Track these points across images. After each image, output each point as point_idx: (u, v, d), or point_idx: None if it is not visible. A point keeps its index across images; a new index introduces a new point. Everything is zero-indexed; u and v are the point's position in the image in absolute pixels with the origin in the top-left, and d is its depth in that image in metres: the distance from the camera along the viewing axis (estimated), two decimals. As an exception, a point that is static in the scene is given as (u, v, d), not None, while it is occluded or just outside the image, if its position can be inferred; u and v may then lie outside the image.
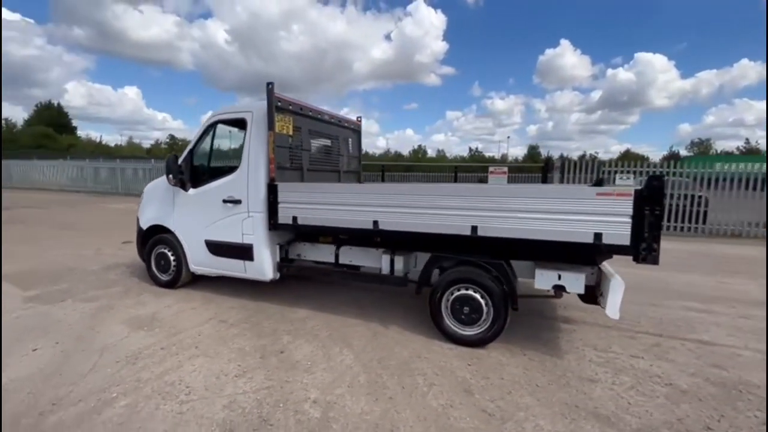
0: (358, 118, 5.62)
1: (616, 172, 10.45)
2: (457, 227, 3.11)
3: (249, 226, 3.93)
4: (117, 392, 2.48)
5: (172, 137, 67.36)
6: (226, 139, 4.79)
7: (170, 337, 3.31)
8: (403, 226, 3.30)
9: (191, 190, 4.29)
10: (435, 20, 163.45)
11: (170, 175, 4.18)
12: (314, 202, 3.62)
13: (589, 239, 2.75)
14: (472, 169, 12.62)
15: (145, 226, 4.67)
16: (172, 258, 4.50)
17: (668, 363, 3.01)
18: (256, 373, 2.74)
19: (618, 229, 2.67)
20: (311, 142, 4.52)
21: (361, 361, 2.95)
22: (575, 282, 3.01)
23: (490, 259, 3.16)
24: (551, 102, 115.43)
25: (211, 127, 4.26)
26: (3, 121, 50.47)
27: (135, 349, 3.08)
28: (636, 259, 2.66)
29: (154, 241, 4.60)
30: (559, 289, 3.07)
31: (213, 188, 4.14)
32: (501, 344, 3.23)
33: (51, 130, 48.84)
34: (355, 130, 5.52)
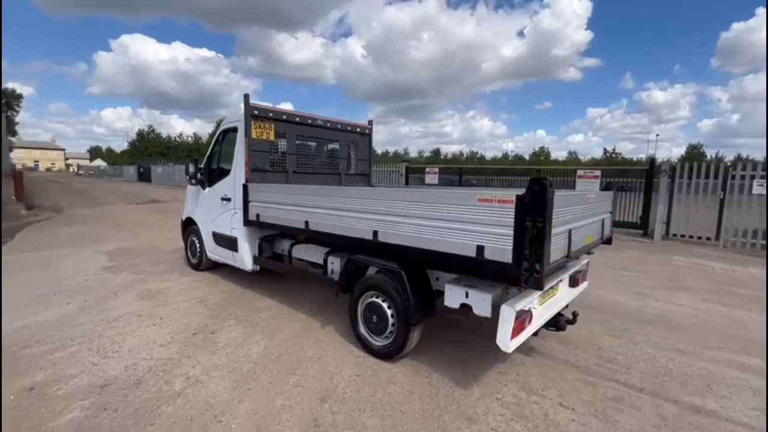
0: (369, 122, 5.72)
1: (753, 177, 7.90)
2: (362, 231, 3.00)
3: (236, 221, 4.47)
4: (76, 342, 3.22)
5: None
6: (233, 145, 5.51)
7: (153, 308, 4.04)
8: (324, 227, 3.33)
9: (207, 189, 5.08)
10: (578, 8, 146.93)
11: (188, 176, 5.05)
12: (269, 201, 3.92)
13: (473, 252, 2.34)
14: (566, 172, 11.10)
15: (183, 217, 5.71)
16: (198, 245, 5.40)
17: (604, 424, 2.31)
18: (175, 346, 3.18)
19: (499, 242, 2.22)
20: (298, 146, 4.84)
21: (265, 353, 3.11)
22: (481, 303, 2.58)
23: (394, 266, 2.94)
24: (738, 89, 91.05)
25: (221, 135, 4.97)
26: (192, 135, 65.17)
27: (122, 313, 3.88)
28: (518, 282, 2.16)
29: (189, 230, 5.59)
30: (468, 309, 2.66)
31: (217, 187, 4.84)
32: (417, 362, 2.97)
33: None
34: (363, 133, 5.62)
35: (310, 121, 4.85)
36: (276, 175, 4.58)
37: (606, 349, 3.32)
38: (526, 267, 2.10)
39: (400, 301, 2.84)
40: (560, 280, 2.96)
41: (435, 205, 2.52)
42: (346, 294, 3.29)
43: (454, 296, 2.71)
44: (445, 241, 2.47)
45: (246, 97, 4.19)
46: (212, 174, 5.12)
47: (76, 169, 78.62)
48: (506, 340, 2.31)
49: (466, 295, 2.65)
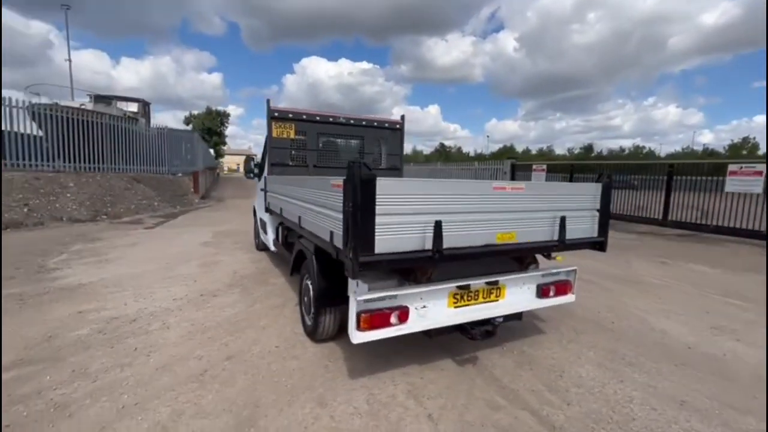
0: (401, 116, 5.78)
1: None
2: (294, 216, 3.25)
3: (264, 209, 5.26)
4: (130, 288, 4.42)
5: (442, 145, 77.80)
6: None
7: (199, 274, 5.13)
8: (287, 215, 3.69)
9: (260, 183, 6.06)
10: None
11: (245, 171, 6.11)
12: (274, 192, 4.51)
13: (328, 237, 2.36)
14: (717, 168, 8.63)
15: (252, 206, 6.90)
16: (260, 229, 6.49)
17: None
18: (182, 301, 4.05)
19: (336, 227, 2.20)
20: (318, 143, 5.29)
21: (233, 316, 3.67)
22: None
23: (309, 250, 3.07)
24: None
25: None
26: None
27: (178, 274, 5.07)
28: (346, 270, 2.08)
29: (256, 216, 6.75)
30: None
31: (261, 181, 5.74)
32: (338, 348, 3.06)
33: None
34: (394, 129, 5.71)
35: (331, 119, 5.26)
36: (297, 169, 5.15)
37: (572, 378, 2.71)
38: (350, 255, 2.03)
39: (313, 284, 2.99)
40: (493, 283, 2.60)
41: (306, 191, 2.61)
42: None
43: (351, 286, 2.71)
44: (319, 226, 2.54)
45: (267, 102, 4.88)
46: (261, 169, 6.07)
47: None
48: (352, 331, 2.25)
49: (357, 284, 2.63)
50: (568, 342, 3.31)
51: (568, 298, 3.10)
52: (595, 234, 2.93)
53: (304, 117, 5.11)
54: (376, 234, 2.02)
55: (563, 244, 2.71)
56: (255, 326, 3.46)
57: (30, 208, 8.84)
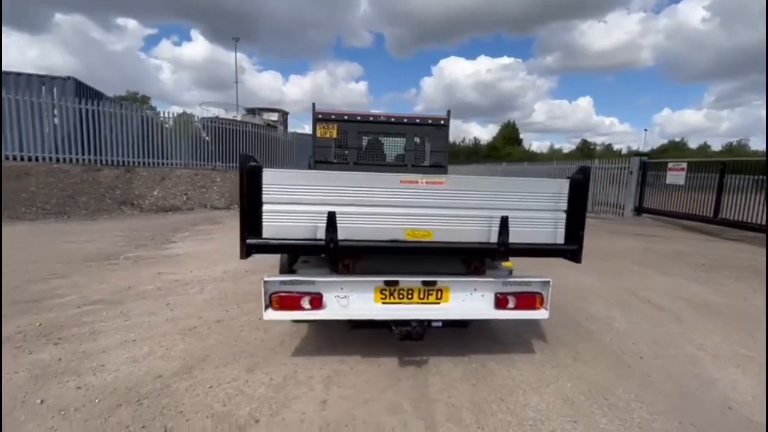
0: (447, 112, 5.60)
1: None
2: None
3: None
4: (170, 266, 5.55)
5: (584, 142, 68.23)
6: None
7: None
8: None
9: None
10: None
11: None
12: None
13: None
14: None
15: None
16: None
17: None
18: (226, 275, 4.91)
19: None
20: (358, 142, 5.56)
21: (224, 294, 4.28)
22: None
23: None
24: None
25: (328, 136, 6.42)
26: (473, 139, 71.72)
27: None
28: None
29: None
30: None
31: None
32: (296, 329, 3.33)
33: (499, 143, 64.78)
34: (438, 126, 5.57)
35: (371, 118, 5.49)
36: (339, 167, 5.56)
37: (511, 404, 2.38)
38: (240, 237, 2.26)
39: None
40: (430, 284, 2.50)
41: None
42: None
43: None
44: None
45: (313, 105, 5.42)
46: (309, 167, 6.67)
47: None
48: (263, 309, 2.48)
49: (294, 270, 2.85)
50: (552, 367, 2.81)
51: (538, 313, 2.65)
52: (560, 240, 2.43)
53: (346, 117, 5.47)
54: (263, 220, 2.21)
55: (506, 248, 2.36)
56: (238, 302, 3.93)
57: (188, 197, 11.67)
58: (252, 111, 22.34)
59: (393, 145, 5.62)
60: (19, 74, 10.98)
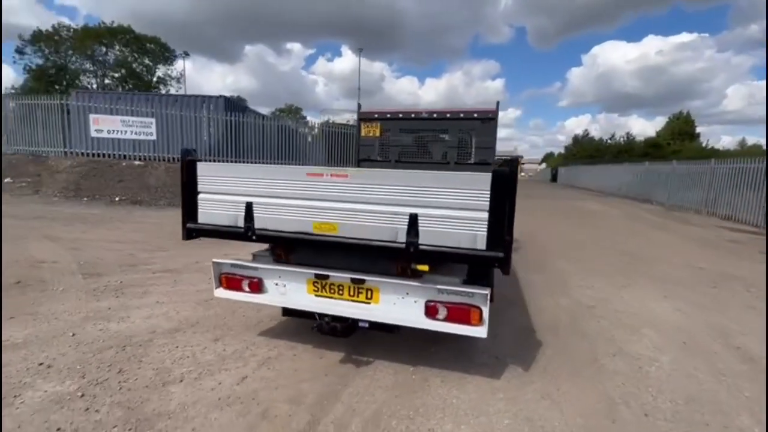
0: (496, 103, 5.07)
1: None
2: None
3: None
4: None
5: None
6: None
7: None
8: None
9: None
10: None
11: None
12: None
13: None
14: None
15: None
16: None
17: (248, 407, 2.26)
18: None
19: None
20: (400, 139, 5.47)
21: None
22: None
23: None
24: None
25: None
26: (624, 135, 60.80)
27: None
28: None
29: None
30: None
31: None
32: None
33: (659, 139, 53.18)
34: (485, 119, 5.08)
35: (413, 115, 5.37)
36: (381, 164, 5.63)
37: (418, 424, 2.16)
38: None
39: None
40: (359, 281, 2.46)
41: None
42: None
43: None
44: None
45: (359, 106, 5.61)
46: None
47: (522, 173, 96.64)
48: (214, 287, 2.79)
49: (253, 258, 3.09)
50: (505, 399, 2.37)
51: (473, 330, 2.26)
52: (481, 245, 2.01)
53: (388, 116, 5.49)
54: (198, 207, 2.51)
55: (415, 249, 2.10)
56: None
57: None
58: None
59: (436, 142, 5.40)
60: (185, 96, 14.39)
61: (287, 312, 2.73)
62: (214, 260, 2.76)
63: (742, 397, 2.47)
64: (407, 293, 2.40)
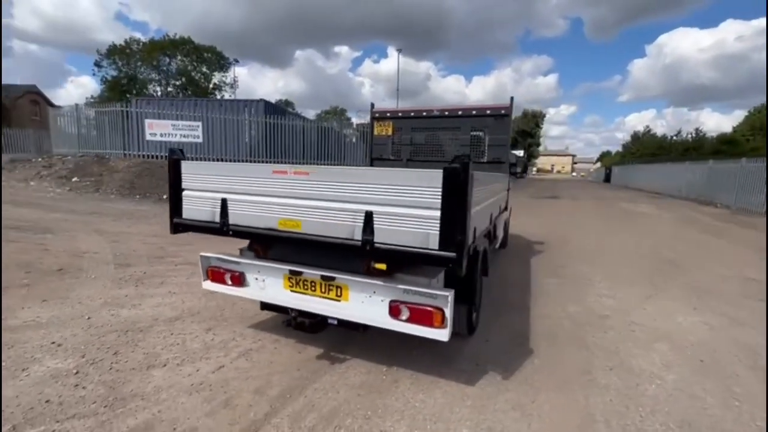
0: (510, 99, 4.85)
1: None
2: None
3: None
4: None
5: None
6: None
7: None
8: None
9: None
10: None
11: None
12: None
13: None
14: None
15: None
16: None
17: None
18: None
19: None
20: (411, 138, 5.40)
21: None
22: None
23: None
24: None
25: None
26: (693, 131, 55.25)
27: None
28: None
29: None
30: None
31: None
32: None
33: (736, 134, 47.68)
34: (498, 116, 4.89)
35: (425, 113, 5.29)
36: (393, 163, 5.61)
37: (373, 427, 2.15)
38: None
39: None
40: (329, 279, 2.49)
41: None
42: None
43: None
44: None
45: (371, 105, 5.63)
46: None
47: (573, 172, 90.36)
48: (202, 279, 2.94)
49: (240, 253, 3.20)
50: (471, 407, 2.27)
51: (435, 333, 2.19)
52: (435, 245, 1.93)
53: (400, 114, 5.47)
54: (183, 203, 2.66)
55: (371, 247, 2.08)
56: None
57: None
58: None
59: (448, 141, 5.30)
60: (228, 100, 15.30)
61: (265, 306, 2.81)
62: (202, 254, 2.92)
63: (751, 427, 2.16)
64: (374, 292, 2.38)
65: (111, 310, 3.51)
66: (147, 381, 2.43)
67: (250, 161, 14.48)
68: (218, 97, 40.77)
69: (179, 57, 41.21)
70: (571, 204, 15.75)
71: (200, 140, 13.72)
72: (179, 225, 2.74)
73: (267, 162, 14.48)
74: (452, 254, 1.91)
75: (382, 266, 2.28)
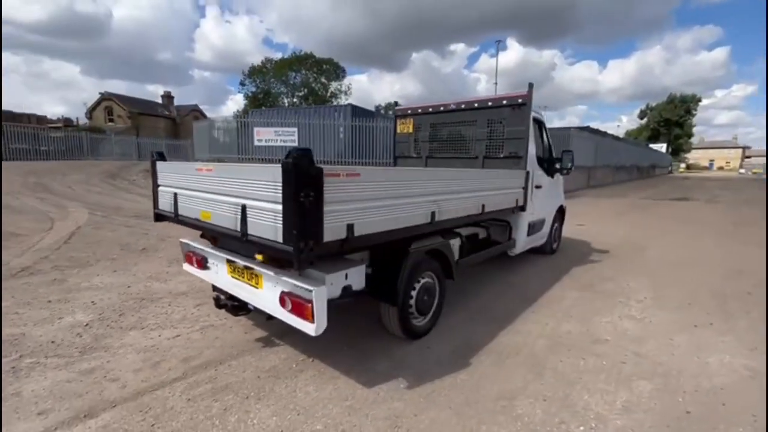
0: (529, 85, 4.30)
1: None
2: None
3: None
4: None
5: None
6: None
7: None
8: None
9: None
10: None
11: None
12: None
13: None
14: None
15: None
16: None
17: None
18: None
19: None
20: (431, 134, 5.19)
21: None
22: None
23: None
24: None
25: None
26: None
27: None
28: None
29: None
30: None
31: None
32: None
33: None
34: (515, 106, 4.38)
35: (442, 108, 5.06)
36: (415, 160, 5.50)
37: (280, 416, 2.33)
38: None
39: None
40: (249, 268, 2.68)
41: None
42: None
43: None
44: None
45: (395, 103, 5.61)
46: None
47: (741, 168, 69.21)
48: (183, 262, 3.46)
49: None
50: (372, 405, 2.23)
51: (305, 326, 2.21)
52: (279, 238, 1.95)
53: (420, 111, 5.34)
54: (158, 196, 3.20)
55: (245, 237, 2.22)
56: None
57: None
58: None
59: (466, 135, 5.01)
60: (320, 107, 16.70)
61: (215, 288, 3.18)
62: (181, 240, 3.45)
63: None
64: (276, 283, 2.51)
65: (148, 283, 4.38)
66: (120, 338, 3.04)
67: (339, 163, 15.67)
68: (334, 103, 44.77)
69: (303, 71, 46.64)
70: (699, 207, 12.64)
71: (296, 144, 15.41)
72: (157, 215, 3.32)
73: (355, 163, 15.45)
74: (290, 246, 1.94)
75: (260, 257, 2.40)
